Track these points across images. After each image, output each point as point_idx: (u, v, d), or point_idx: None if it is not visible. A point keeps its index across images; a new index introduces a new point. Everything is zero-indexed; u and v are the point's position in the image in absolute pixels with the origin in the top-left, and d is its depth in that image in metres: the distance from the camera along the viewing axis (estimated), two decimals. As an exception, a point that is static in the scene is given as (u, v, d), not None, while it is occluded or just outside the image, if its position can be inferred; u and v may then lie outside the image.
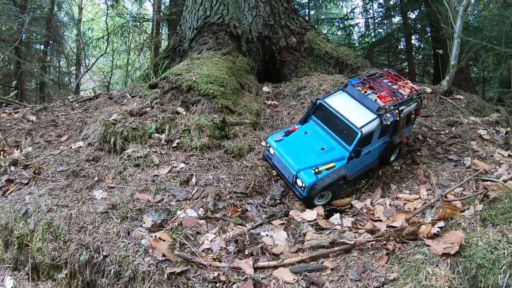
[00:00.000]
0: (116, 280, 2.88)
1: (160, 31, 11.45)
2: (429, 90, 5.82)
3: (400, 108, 3.61)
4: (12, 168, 4.41)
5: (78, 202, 3.54)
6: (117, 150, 4.34)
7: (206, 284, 2.48)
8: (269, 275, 2.45)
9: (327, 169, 3.38)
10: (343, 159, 3.46)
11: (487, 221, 2.47)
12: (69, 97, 6.81)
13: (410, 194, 3.53)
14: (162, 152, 4.25)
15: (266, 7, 6.13)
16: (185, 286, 2.54)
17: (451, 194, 3.17)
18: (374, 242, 2.66)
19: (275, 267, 2.48)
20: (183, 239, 3.02)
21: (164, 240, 2.96)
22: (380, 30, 10.91)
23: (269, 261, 2.61)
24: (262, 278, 2.41)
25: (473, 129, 4.76)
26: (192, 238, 3.09)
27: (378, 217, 3.19)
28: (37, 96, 9.23)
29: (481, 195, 2.89)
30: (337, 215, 3.36)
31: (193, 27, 6.24)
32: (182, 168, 4.01)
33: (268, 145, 3.83)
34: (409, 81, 3.99)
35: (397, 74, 4.12)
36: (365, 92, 3.67)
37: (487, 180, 3.44)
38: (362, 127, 3.35)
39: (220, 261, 2.75)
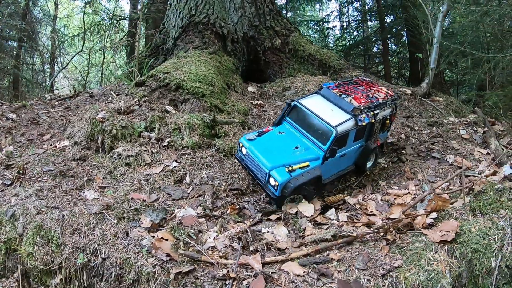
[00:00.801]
0: (117, 283, 2.74)
1: (138, 29, 11.13)
2: (409, 92, 5.98)
3: (375, 112, 3.57)
4: (-8, 168, 4.13)
5: (69, 203, 3.36)
6: (106, 149, 4.16)
7: (216, 282, 2.40)
8: (278, 269, 2.44)
9: (301, 168, 3.24)
10: (318, 159, 3.34)
11: (476, 211, 2.64)
12: (46, 95, 6.47)
13: (399, 190, 3.63)
14: (153, 151, 4.11)
15: (252, 7, 6.09)
16: (194, 285, 2.44)
17: (439, 188, 3.27)
18: (373, 234, 2.73)
19: (282, 261, 2.48)
20: (186, 238, 2.93)
21: (166, 240, 2.85)
22: (356, 34, 11.11)
23: (275, 256, 2.60)
24: (271, 273, 2.39)
25: (453, 129, 4.94)
26: (195, 237, 3.00)
27: (372, 212, 3.27)
28: (9, 94, 8.67)
29: (467, 189, 3.06)
30: (332, 210, 3.38)
31: (178, 26, 6.10)
32: (175, 167, 3.90)
33: (240, 145, 3.66)
34: (384, 87, 3.97)
35: (371, 81, 4.14)
36: (340, 94, 3.63)
37: (469, 176, 3.62)
38: (337, 125, 3.28)
39: (226, 258, 2.67)
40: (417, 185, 3.67)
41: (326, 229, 2.99)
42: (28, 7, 8.72)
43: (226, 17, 6.02)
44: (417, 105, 5.84)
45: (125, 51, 10.57)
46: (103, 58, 9.27)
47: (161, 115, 4.48)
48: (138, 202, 3.38)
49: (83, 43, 8.87)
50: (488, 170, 3.55)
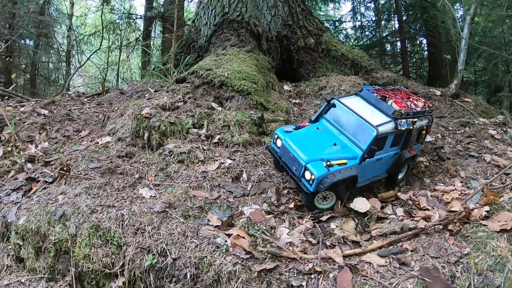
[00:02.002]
0: (192, 284, 2.42)
1: (154, 28, 10.85)
2: (438, 92, 5.83)
3: (414, 119, 3.35)
4: (29, 165, 3.78)
5: (125, 202, 3.02)
6: (153, 145, 3.84)
7: (301, 276, 2.27)
8: (359, 261, 2.41)
9: (338, 164, 3.01)
10: (355, 159, 3.11)
11: None
12: (69, 92, 6.13)
13: (446, 186, 3.61)
14: (204, 148, 3.83)
15: (285, 7, 5.87)
16: (278, 281, 2.27)
17: (491, 184, 3.39)
18: (434, 226, 2.74)
19: (361, 253, 2.47)
20: (262, 234, 2.66)
21: (243, 237, 2.59)
22: (368, 34, 10.88)
23: (351, 249, 2.58)
24: (354, 265, 2.35)
25: (484, 129, 4.88)
26: (268, 233, 2.73)
27: (424, 207, 3.25)
28: (25, 92, 8.23)
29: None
30: (389, 206, 3.36)
31: (211, 23, 5.83)
32: (230, 164, 3.62)
33: (275, 136, 3.43)
34: (422, 98, 3.81)
35: (409, 91, 3.96)
36: (381, 97, 3.44)
37: (509, 173, 3.59)
38: (378, 125, 3.08)
39: (305, 253, 2.56)
40: (462, 182, 3.67)
41: (389, 223, 2.96)
42: (45, 5, 8.34)
43: (259, 15, 5.79)
44: (447, 105, 5.73)
45: (141, 50, 10.28)
46: (119, 57, 8.94)
47: (208, 112, 4.19)
48: (201, 200, 3.09)
49: (101, 42, 8.52)
50: None
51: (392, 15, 10.31)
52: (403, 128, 3.22)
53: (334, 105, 3.50)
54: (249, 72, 4.70)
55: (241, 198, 3.26)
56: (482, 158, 4.11)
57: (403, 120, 3.22)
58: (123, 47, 8.82)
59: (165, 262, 2.54)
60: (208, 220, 2.86)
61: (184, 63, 5.46)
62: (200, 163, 3.62)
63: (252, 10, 5.72)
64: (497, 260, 2.20)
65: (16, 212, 3.13)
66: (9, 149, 3.99)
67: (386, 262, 2.36)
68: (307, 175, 2.98)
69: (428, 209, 3.23)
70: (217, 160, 3.65)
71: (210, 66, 4.67)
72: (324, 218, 3.05)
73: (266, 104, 4.54)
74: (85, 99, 5.45)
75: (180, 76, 4.81)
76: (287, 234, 2.80)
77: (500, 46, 7.22)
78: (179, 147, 3.68)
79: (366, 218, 3.12)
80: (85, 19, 9.82)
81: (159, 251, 2.59)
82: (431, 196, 3.50)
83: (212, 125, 4.08)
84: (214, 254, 2.51)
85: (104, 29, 8.78)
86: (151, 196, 3.12)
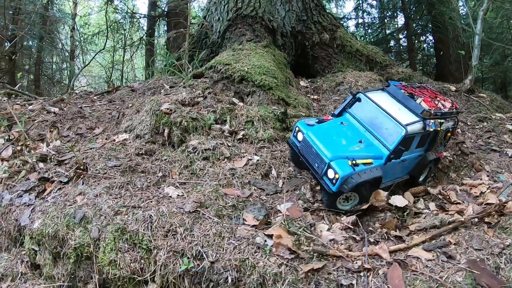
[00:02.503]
0: None
1: (158, 27, 10.58)
2: (453, 88, 5.66)
3: (441, 121, 3.11)
4: (41, 164, 3.49)
5: (151, 201, 2.76)
6: (175, 142, 3.58)
7: (350, 275, 2.14)
8: (406, 256, 2.30)
9: (364, 164, 2.74)
10: (381, 159, 2.84)
11: None
12: (76, 91, 5.85)
13: (473, 180, 3.49)
14: (229, 144, 3.58)
15: (299, 2, 5.63)
16: (327, 281, 2.11)
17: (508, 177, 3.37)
18: (472, 219, 2.64)
19: (406, 249, 2.37)
20: (304, 232, 2.43)
21: (285, 236, 2.35)
22: (371, 31, 10.67)
23: (395, 244, 2.44)
24: (402, 260, 2.23)
25: (502, 124, 4.75)
26: (308, 231, 2.50)
27: (455, 200, 3.13)
28: (30, 92, 7.90)
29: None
30: (421, 201, 3.18)
31: (224, 19, 5.59)
32: (258, 160, 3.37)
33: (297, 129, 3.13)
34: (448, 98, 3.57)
35: (435, 90, 3.71)
36: (409, 94, 3.18)
37: None
38: (407, 125, 2.82)
39: (351, 250, 2.39)
40: (488, 175, 3.55)
41: (424, 218, 2.82)
42: (48, 5, 8.04)
43: (273, 11, 5.56)
44: (463, 101, 5.58)
45: (145, 50, 10.01)
46: (123, 57, 8.67)
47: (230, 107, 3.94)
48: (233, 198, 2.84)
49: (106, 41, 8.23)
50: None
51: (398, 11, 10.14)
52: (431, 129, 2.97)
53: (359, 99, 3.22)
54: (269, 67, 4.47)
55: (274, 195, 3.01)
56: (504, 152, 3.99)
57: (432, 121, 2.98)
58: (127, 47, 8.53)
59: (201, 266, 2.29)
60: (244, 220, 2.61)
61: (199, 59, 5.21)
62: (226, 160, 3.36)
63: (266, 5, 5.49)
64: None
65: (29, 215, 2.85)
66: (19, 148, 3.71)
67: (433, 256, 2.27)
68: (330, 174, 2.71)
69: (459, 203, 3.09)
70: (244, 157, 3.39)
71: (228, 61, 4.43)
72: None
73: (287, 99, 4.30)
74: (95, 97, 5.18)
75: (198, 71, 4.56)
76: (328, 231, 2.58)
77: (508, 42, 7.10)
78: (203, 144, 3.42)
79: (405, 213, 2.89)
80: (89, 19, 9.54)
81: (194, 254, 2.32)
82: (460, 190, 3.36)
83: (235, 121, 3.83)
84: (256, 255, 2.27)
85: (108, 28, 8.50)
86: (178, 195, 2.85)
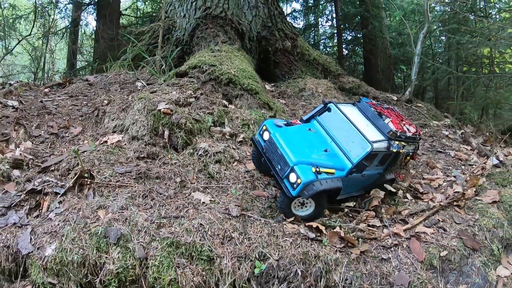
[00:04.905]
0: (302, 279, 2.30)
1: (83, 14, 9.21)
2: (395, 98, 6.33)
3: (404, 144, 3.14)
4: (16, 172, 2.86)
5: (189, 209, 2.58)
6: (177, 144, 3.35)
7: (385, 250, 2.61)
8: (415, 232, 2.82)
9: (327, 173, 2.69)
10: (343, 171, 2.80)
11: (499, 184, 3.56)
12: (10, 82, 4.77)
13: (432, 175, 4.09)
14: (233, 147, 3.53)
15: (265, 8, 5.71)
16: (373, 258, 2.53)
17: (472, 172, 4.06)
18: (447, 203, 3.30)
19: (412, 227, 2.91)
20: (337, 222, 2.74)
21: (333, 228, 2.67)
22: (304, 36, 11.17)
23: (402, 226, 2.95)
24: (415, 235, 2.79)
25: (439, 130, 5.55)
26: (341, 220, 2.80)
27: (423, 191, 3.67)
28: None
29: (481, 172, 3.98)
30: (400, 192, 3.56)
31: (191, 16, 5.31)
32: (267, 163, 3.43)
33: (264, 128, 3.01)
34: (413, 124, 3.68)
35: (400, 113, 3.85)
36: (378, 113, 3.21)
37: (472, 165, 4.35)
38: (374, 142, 2.81)
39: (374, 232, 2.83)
40: (442, 171, 4.20)
41: (409, 205, 3.33)
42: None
43: (240, 14, 5.53)
44: (404, 109, 6.25)
45: (68, 38, 8.57)
46: (47, 45, 7.25)
47: (225, 109, 3.87)
48: (265, 199, 2.87)
49: (32, 27, 6.73)
50: (484, 163, 4.30)
51: (330, 21, 11.05)
52: (394, 150, 3.00)
53: (329, 109, 3.18)
54: (251, 71, 4.49)
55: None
56: (448, 153, 4.73)
57: (396, 142, 3.01)
58: (50, 35, 7.18)
59: (265, 266, 2.30)
60: (283, 218, 2.70)
61: (172, 57, 4.86)
62: (236, 162, 3.33)
63: (234, 8, 5.44)
64: (497, 221, 2.94)
65: (31, 240, 2.33)
66: (-24, 152, 2.94)
67: (433, 230, 2.87)
68: (292, 178, 2.61)
69: (427, 193, 3.63)
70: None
71: (212, 62, 4.28)
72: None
73: (270, 104, 4.44)
74: (46, 89, 4.33)
75: (180, 69, 4.28)
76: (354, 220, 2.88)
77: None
78: (213, 147, 3.31)
79: (396, 202, 3.37)
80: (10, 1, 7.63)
81: (257, 256, 2.32)
82: (423, 183, 3.90)
83: (232, 123, 3.79)
84: (313, 246, 2.45)
85: (32, 14, 7.01)
86: (210, 200, 2.74)
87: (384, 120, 3.12)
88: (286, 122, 3.12)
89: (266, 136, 2.96)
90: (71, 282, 2.19)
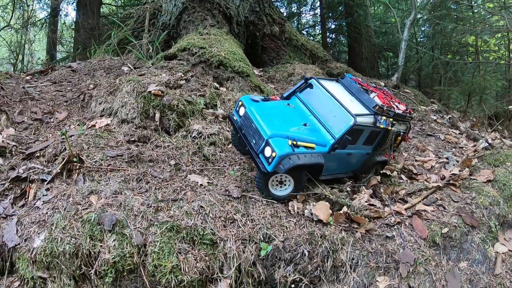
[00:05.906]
0: (309, 260, 2.24)
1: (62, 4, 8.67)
2: (382, 83, 6.29)
3: (393, 121, 2.92)
4: (-1, 159, 2.62)
5: (187, 192, 2.43)
6: (169, 127, 3.17)
7: (389, 228, 2.63)
8: (414, 211, 2.82)
9: (305, 147, 2.47)
10: (325, 147, 2.59)
11: (491, 164, 3.62)
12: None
13: (424, 158, 4.12)
14: (227, 129, 3.37)
15: (253, -7, 5.59)
16: (376, 236, 2.52)
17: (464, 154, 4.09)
18: (444, 183, 3.32)
19: (413, 206, 2.90)
20: (345, 201, 2.67)
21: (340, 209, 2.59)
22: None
23: (403, 204, 2.94)
24: (416, 212, 2.79)
25: (427, 115, 5.59)
26: (346, 198, 2.73)
27: (417, 172, 3.67)
28: None
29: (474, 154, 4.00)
30: (395, 173, 3.54)
31: (178, 0, 5.07)
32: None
33: (240, 103, 2.79)
34: (404, 103, 3.44)
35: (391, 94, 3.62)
36: (364, 88, 3.02)
37: (462, 148, 4.43)
38: (358, 115, 2.61)
39: (378, 211, 2.80)
40: (433, 153, 4.24)
41: (405, 185, 3.32)
42: None
43: (227, -2, 5.35)
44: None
45: (47, 29, 8.04)
46: (25, 35, 6.75)
47: (217, 91, 3.70)
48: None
49: (11, 16, 6.21)
50: (474, 146, 4.43)
51: (313, 10, 10.90)
52: (381, 126, 2.77)
53: (311, 85, 2.97)
54: (241, 54, 4.33)
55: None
56: (438, 136, 4.75)
57: (383, 118, 2.79)
58: (29, 26, 6.69)
59: (271, 247, 2.19)
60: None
61: (159, 40, 4.61)
62: (231, 144, 3.19)
63: (221, -9, 5.24)
64: (493, 199, 2.99)
65: (17, 231, 2.12)
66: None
67: (433, 208, 2.89)
68: (267, 152, 2.39)
69: (421, 174, 3.63)
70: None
71: (202, 44, 4.08)
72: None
73: (262, 87, 4.29)
74: (27, 77, 4.02)
75: (169, 52, 4.06)
76: (361, 199, 2.85)
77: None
78: (207, 128, 3.15)
79: (391, 181, 3.35)
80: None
81: (261, 238, 2.20)
82: (416, 165, 3.91)
83: (224, 106, 3.63)
84: (318, 226, 2.38)
85: (10, 4, 6.48)
86: (208, 182, 2.59)
87: (369, 94, 2.93)
88: (263, 98, 2.91)
89: (242, 111, 2.74)
90: (63, 275, 2.02)
